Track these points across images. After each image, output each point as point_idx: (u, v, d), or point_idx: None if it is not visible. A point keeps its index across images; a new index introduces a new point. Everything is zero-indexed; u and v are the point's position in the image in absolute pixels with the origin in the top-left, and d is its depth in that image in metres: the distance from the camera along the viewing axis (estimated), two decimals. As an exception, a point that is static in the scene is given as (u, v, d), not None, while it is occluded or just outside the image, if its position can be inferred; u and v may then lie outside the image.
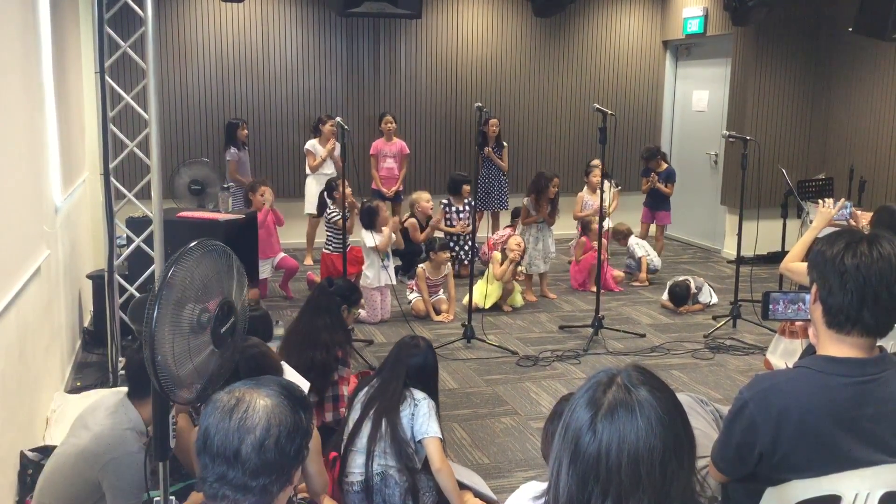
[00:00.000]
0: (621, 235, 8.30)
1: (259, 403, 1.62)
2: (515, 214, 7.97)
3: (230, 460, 1.58)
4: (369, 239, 6.60)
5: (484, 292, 6.91)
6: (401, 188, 8.88)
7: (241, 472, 1.58)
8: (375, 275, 6.67)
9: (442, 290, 7.04)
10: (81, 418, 3.03)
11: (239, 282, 2.43)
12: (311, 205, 8.33)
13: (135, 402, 2.96)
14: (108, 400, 3.03)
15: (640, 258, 8.13)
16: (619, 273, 8.13)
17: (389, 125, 8.77)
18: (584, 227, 7.86)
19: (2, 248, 3.45)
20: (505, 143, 9.06)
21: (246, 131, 8.69)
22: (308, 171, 8.54)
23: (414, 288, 7.02)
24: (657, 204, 8.71)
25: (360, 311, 6.51)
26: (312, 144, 8.51)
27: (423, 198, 8.27)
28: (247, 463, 1.58)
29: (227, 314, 2.34)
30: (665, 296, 7.29)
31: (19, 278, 3.74)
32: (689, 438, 1.43)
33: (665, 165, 8.71)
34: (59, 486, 2.89)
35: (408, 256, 7.84)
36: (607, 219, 7.56)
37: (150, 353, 2.14)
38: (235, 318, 2.38)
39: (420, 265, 7.00)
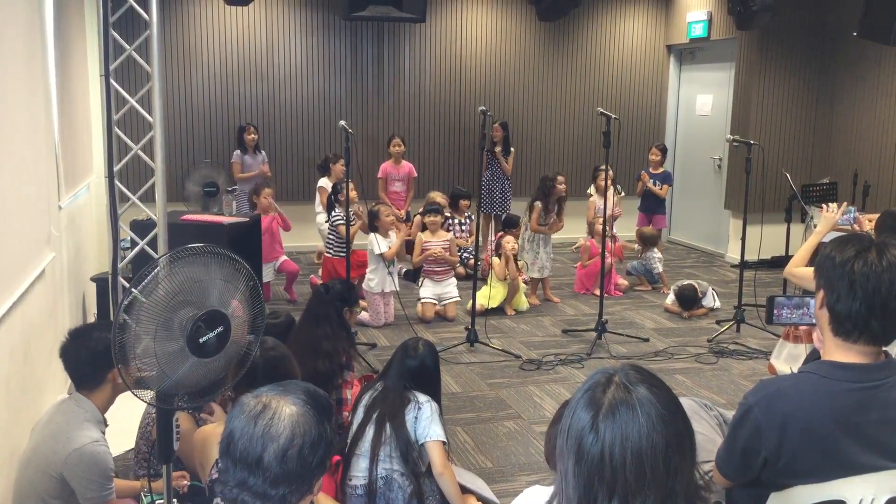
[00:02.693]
0: (649, 241, 8.15)
1: (285, 411, 1.61)
2: (507, 224, 7.81)
3: (252, 467, 1.57)
4: (377, 245, 6.60)
5: (488, 295, 6.93)
6: (409, 209, 8.84)
7: (261, 479, 1.57)
8: (379, 280, 6.67)
9: (448, 291, 7.02)
10: (39, 421, 3.03)
11: (246, 294, 2.41)
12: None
13: (85, 393, 2.95)
14: (58, 401, 3.04)
15: (658, 274, 8.08)
16: (624, 282, 8.09)
17: (398, 148, 8.62)
18: (590, 229, 7.85)
19: (7, 251, 3.46)
20: (512, 149, 9.02)
21: (253, 135, 8.65)
22: (320, 208, 8.36)
23: (422, 278, 7.02)
24: (652, 207, 8.70)
25: (362, 311, 6.52)
26: (325, 182, 8.33)
27: (435, 200, 8.27)
28: (268, 471, 1.57)
29: (213, 324, 2.33)
30: (669, 300, 7.28)
31: (24, 281, 3.75)
32: (689, 432, 1.44)
33: (662, 169, 8.73)
34: (28, 490, 2.88)
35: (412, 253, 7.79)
36: (611, 223, 7.56)
37: (113, 336, 2.22)
38: (226, 330, 2.37)
39: (419, 234, 7.07)
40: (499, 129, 8.79)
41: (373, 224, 6.72)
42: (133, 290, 2.23)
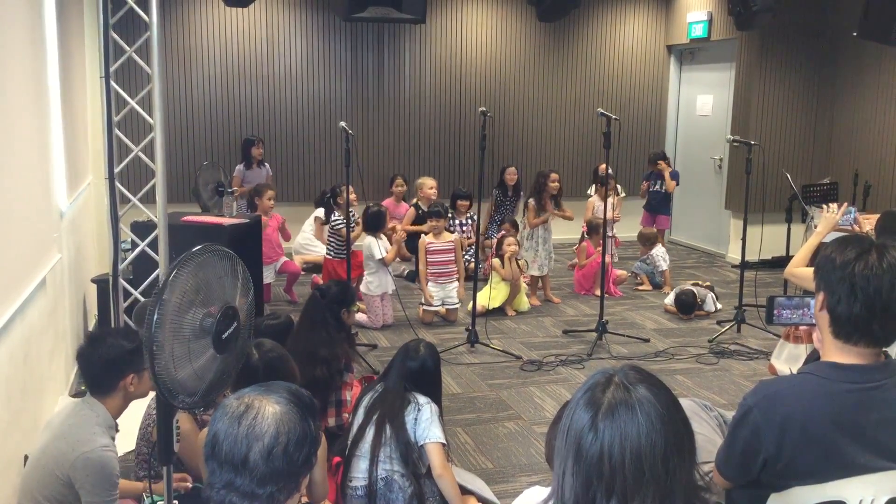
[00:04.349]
0: (648, 241, 8.21)
1: (268, 410, 1.61)
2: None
3: (238, 467, 1.58)
4: (377, 250, 6.58)
5: (489, 296, 6.92)
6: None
7: (248, 479, 1.58)
8: (379, 283, 6.66)
9: (452, 296, 6.99)
10: (49, 422, 3.03)
11: (244, 287, 2.43)
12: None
13: (98, 397, 2.95)
14: (73, 402, 3.04)
15: (663, 271, 8.09)
16: (622, 272, 8.11)
17: (400, 188, 8.59)
18: (592, 229, 7.85)
19: (12, 254, 3.46)
20: (522, 193, 8.94)
21: (261, 150, 8.55)
22: (308, 229, 8.34)
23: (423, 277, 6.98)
24: (656, 207, 8.74)
25: (360, 313, 6.51)
26: (321, 213, 8.24)
27: (427, 184, 8.21)
28: (254, 470, 1.58)
29: (230, 319, 2.35)
30: (669, 300, 7.28)
31: (29, 283, 3.76)
32: (688, 433, 1.44)
33: (669, 169, 8.75)
34: (35, 491, 2.88)
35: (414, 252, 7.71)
36: (612, 224, 7.57)
37: (149, 357, 2.14)
38: (239, 323, 2.39)
39: (423, 236, 7.01)
40: (514, 172, 8.80)
41: (376, 224, 6.68)
42: (155, 306, 2.18)
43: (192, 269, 2.24)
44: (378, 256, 6.59)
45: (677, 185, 8.76)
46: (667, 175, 8.63)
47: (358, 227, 7.00)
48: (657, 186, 8.73)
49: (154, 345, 2.13)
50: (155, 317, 2.12)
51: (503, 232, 7.62)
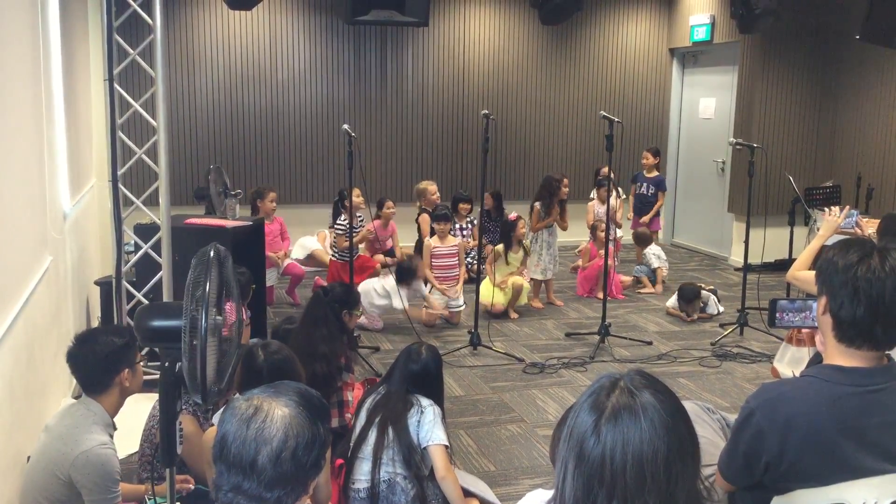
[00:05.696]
0: (642, 241, 8.23)
1: (277, 413, 1.60)
2: (506, 228, 7.90)
3: (246, 471, 1.57)
4: (397, 300, 6.55)
5: (491, 291, 6.91)
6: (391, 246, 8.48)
7: (256, 483, 1.57)
8: (382, 311, 6.68)
9: (456, 300, 6.99)
10: (47, 425, 3.04)
11: (247, 282, 2.47)
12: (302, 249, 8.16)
13: (94, 396, 2.95)
14: (70, 403, 3.05)
15: (655, 269, 8.09)
16: (626, 278, 8.12)
17: (389, 210, 8.24)
18: (592, 233, 7.86)
19: (10, 256, 3.47)
20: (505, 213, 8.74)
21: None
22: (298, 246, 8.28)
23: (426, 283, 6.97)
24: (642, 210, 8.73)
25: (361, 316, 6.51)
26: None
27: (431, 189, 8.16)
28: (262, 474, 1.56)
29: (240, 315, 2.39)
30: (671, 302, 7.27)
31: (28, 285, 3.76)
32: (692, 440, 1.44)
33: (656, 172, 8.71)
34: (37, 493, 2.88)
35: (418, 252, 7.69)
36: (615, 227, 7.56)
37: (201, 368, 2.11)
38: (240, 317, 2.41)
39: (427, 239, 6.97)
40: (489, 199, 8.50)
41: (406, 279, 6.65)
42: (200, 318, 2.15)
43: (215, 271, 2.25)
44: (398, 306, 6.54)
45: (664, 192, 8.75)
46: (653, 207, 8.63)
47: (363, 228, 7.00)
48: (643, 189, 8.71)
49: (204, 356, 2.12)
50: (203, 321, 2.10)
51: (515, 214, 7.44)
